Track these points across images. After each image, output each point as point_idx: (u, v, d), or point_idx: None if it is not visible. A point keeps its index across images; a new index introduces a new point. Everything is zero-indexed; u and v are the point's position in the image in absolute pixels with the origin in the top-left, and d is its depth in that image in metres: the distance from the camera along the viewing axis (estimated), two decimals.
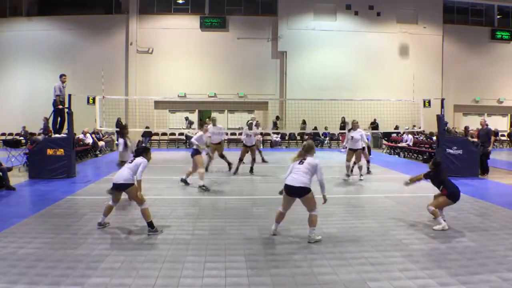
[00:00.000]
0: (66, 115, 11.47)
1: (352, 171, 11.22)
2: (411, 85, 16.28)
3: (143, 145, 6.04)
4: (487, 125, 12.27)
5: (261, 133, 16.35)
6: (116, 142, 8.78)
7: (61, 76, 11.71)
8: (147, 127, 20.80)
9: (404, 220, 6.64)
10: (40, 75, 23.15)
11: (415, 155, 16.83)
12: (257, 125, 14.56)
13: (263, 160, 14.28)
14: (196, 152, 9.42)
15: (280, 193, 5.77)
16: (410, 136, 18.29)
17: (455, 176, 11.08)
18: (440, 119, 11.92)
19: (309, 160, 5.51)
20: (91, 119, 14.95)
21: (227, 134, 23.49)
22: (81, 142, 16.28)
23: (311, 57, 24.48)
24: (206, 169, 11.48)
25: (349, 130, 11.89)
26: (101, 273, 4.31)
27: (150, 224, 5.79)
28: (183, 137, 23.16)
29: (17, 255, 4.81)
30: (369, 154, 17.23)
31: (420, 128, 14.74)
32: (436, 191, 6.58)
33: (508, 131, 25.49)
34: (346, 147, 11.54)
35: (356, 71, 24.28)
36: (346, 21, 24.88)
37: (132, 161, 6.03)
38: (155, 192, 9.25)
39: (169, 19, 24.46)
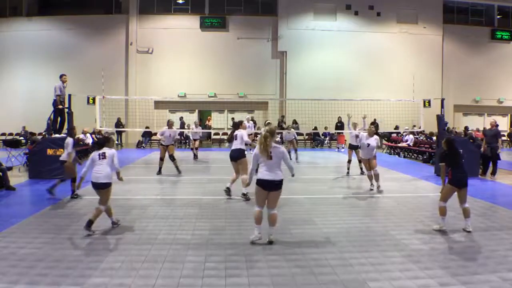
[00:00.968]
0: (66, 115, 11.47)
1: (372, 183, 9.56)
2: (411, 85, 16.29)
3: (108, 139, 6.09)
4: (497, 125, 12.20)
5: (255, 133, 16.27)
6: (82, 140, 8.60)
7: (61, 76, 11.71)
8: (147, 127, 20.80)
9: (404, 220, 6.64)
10: (40, 75, 23.14)
11: (415, 155, 16.83)
12: (254, 122, 14.51)
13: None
14: (242, 154, 8.24)
15: (244, 195, 5.73)
16: (410, 136, 18.29)
17: None
18: (440, 119, 11.92)
19: (276, 151, 5.27)
20: (91, 119, 14.93)
21: (226, 134, 23.54)
22: (81, 142, 16.28)
23: (311, 57, 24.48)
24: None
25: (357, 136, 10.76)
26: (101, 273, 4.30)
27: (90, 223, 5.70)
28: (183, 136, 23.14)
29: (17, 255, 4.81)
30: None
31: (420, 128, 14.74)
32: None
33: (508, 131, 25.48)
34: (344, 148, 11.27)
35: (356, 71, 24.27)
36: (346, 21, 24.88)
37: (102, 155, 5.98)
38: (155, 192, 9.25)
39: (169, 19, 24.46)
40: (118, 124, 20.98)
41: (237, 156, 8.22)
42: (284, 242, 5.41)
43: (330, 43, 24.64)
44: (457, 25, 25.84)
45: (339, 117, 21.37)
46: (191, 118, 24.23)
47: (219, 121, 24.32)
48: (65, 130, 11.69)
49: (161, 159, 12.00)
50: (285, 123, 23.29)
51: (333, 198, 8.37)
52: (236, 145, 8.30)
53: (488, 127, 12.64)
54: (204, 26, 24.34)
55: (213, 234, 5.76)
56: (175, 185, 10.36)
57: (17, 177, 10.59)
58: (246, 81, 24.27)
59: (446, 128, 13.43)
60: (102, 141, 6.27)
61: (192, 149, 16.43)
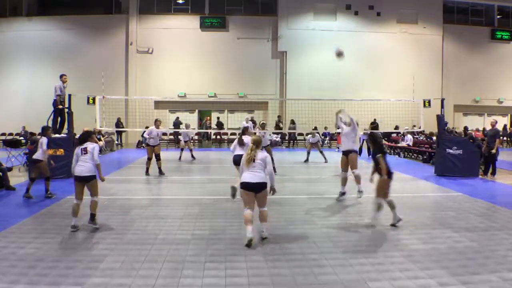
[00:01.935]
0: (66, 115, 11.48)
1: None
2: (411, 85, 16.28)
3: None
4: (496, 123, 12.16)
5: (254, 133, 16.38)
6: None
7: (62, 76, 11.73)
8: (147, 127, 20.77)
9: (404, 220, 6.63)
10: (40, 75, 23.16)
11: (415, 155, 16.84)
12: (253, 122, 14.55)
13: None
14: (352, 151, 8.27)
15: (233, 195, 6.11)
16: (409, 136, 18.30)
17: (455, 176, 11.14)
18: (440, 119, 11.92)
19: (259, 155, 5.49)
20: (91, 119, 14.93)
21: (226, 134, 23.55)
22: None
23: (311, 57, 24.48)
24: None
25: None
26: (101, 273, 4.30)
27: (93, 217, 6.00)
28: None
29: (17, 255, 4.81)
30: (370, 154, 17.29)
31: (420, 128, 14.73)
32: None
33: (508, 131, 25.49)
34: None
35: (356, 71, 24.28)
36: (346, 21, 24.89)
37: (84, 150, 6.10)
38: (155, 192, 9.25)
39: (169, 19, 24.46)
40: (118, 124, 20.98)
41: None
42: (284, 242, 5.41)
43: (330, 43, 24.54)
44: (457, 25, 25.85)
45: (340, 117, 21.38)
46: (191, 118, 24.30)
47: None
48: (65, 130, 11.71)
49: (149, 159, 11.75)
50: (282, 123, 23.31)
51: (333, 198, 8.36)
52: (241, 150, 8.12)
53: (489, 127, 12.63)
54: (204, 26, 24.34)
55: (213, 234, 5.76)
56: (175, 185, 10.36)
57: (17, 177, 10.58)
58: (246, 81, 24.28)
59: (446, 128, 13.41)
60: (84, 136, 6.37)
61: (182, 149, 16.34)
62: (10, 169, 9.59)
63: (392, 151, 19.24)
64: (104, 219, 6.52)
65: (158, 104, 23.56)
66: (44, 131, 8.89)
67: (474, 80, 25.75)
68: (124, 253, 4.92)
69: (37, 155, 8.44)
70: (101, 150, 18.16)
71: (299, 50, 24.34)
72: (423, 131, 16.97)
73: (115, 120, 20.77)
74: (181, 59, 24.04)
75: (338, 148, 21.14)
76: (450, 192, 9.17)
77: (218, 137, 24.06)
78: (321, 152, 15.27)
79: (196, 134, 23.20)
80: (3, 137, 22.04)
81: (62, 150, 10.75)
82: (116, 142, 22.19)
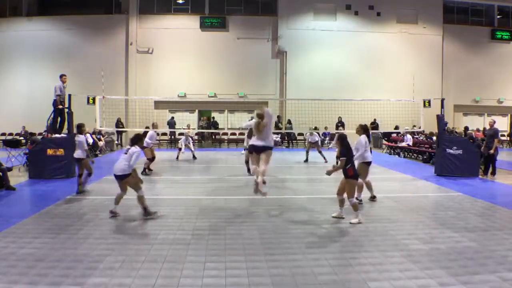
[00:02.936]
0: (66, 115, 11.48)
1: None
2: (411, 85, 16.26)
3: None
4: (494, 122, 12.16)
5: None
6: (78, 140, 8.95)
7: (62, 76, 11.73)
8: (147, 127, 20.73)
9: (404, 220, 6.63)
10: (40, 75, 23.15)
11: (415, 155, 16.83)
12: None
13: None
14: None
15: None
16: (409, 136, 18.30)
17: (455, 176, 11.14)
18: (440, 119, 11.91)
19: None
20: (91, 119, 14.94)
21: (226, 134, 23.55)
22: None
23: (311, 57, 24.48)
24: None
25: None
26: (101, 273, 4.30)
27: (146, 210, 6.51)
28: (183, 136, 23.14)
29: (17, 255, 4.81)
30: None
31: (420, 128, 14.73)
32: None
33: (508, 131, 25.49)
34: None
35: (356, 71, 24.28)
36: (346, 21, 24.88)
37: (126, 151, 6.61)
38: (155, 192, 9.26)
39: (169, 19, 24.45)
40: (118, 124, 20.97)
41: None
42: (284, 242, 5.41)
43: (330, 43, 24.64)
44: (457, 25, 25.83)
45: (339, 117, 21.42)
46: (191, 118, 24.29)
47: (219, 121, 24.30)
48: (65, 130, 11.70)
49: (152, 159, 12.23)
50: (281, 123, 23.30)
51: (333, 198, 8.35)
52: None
53: (488, 127, 12.62)
54: (204, 26, 24.34)
55: (213, 234, 5.76)
56: (175, 185, 10.36)
57: (17, 177, 10.59)
58: (246, 81, 24.27)
59: (445, 128, 13.41)
60: (135, 139, 6.82)
61: (180, 149, 16.31)
62: (10, 169, 9.59)
63: (392, 151, 19.24)
64: (104, 219, 6.53)
65: (158, 104, 23.56)
66: (80, 128, 9.17)
67: (474, 80, 25.74)
68: (124, 253, 4.92)
69: (78, 154, 8.77)
70: (101, 150, 18.19)
71: (299, 50, 24.34)
72: (423, 131, 16.97)
73: (115, 120, 20.77)
74: (181, 59, 24.03)
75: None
76: (450, 192, 9.17)
77: (217, 137, 23.94)
78: (320, 152, 15.29)
79: (196, 134, 23.21)
80: (3, 137, 22.04)
81: (62, 150, 10.75)
82: (116, 142, 22.19)
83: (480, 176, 11.40)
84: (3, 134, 22.93)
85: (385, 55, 24.73)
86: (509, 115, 26.87)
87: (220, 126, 23.65)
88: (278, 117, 23.84)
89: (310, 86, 23.37)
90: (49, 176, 10.45)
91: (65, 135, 11.39)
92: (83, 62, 23.22)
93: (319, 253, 5.00)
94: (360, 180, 7.41)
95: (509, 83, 26.22)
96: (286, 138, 23.74)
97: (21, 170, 12.13)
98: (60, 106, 11.48)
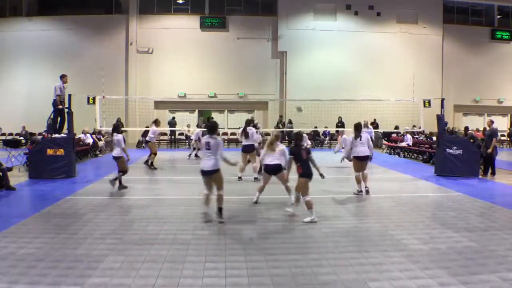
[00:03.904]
0: (66, 115, 11.48)
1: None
2: (411, 85, 16.27)
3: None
4: (492, 122, 12.15)
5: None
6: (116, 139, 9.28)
7: (63, 76, 11.73)
8: (147, 127, 20.76)
9: (404, 220, 6.63)
10: (40, 75, 23.17)
11: (415, 155, 16.83)
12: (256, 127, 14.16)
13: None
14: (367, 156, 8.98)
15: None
16: (409, 136, 18.29)
17: (455, 176, 11.14)
18: (440, 119, 11.91)
19: (279, 146, 7.50)
20: (91, 119, 14.95)
21: (226, 134, 23.55)
22: (81, 142, 16.28)
23: (311, 57, 24.49)
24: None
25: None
26: (101, 273, 4.30)
27: (220, 210, 6.37)
28: (183, 137, 23.20)
29: (17, 255, 4.81)
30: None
31: (420, 128, 14.73)
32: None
33: (508, 131, 25.48)
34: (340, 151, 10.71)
35: (356, 71, 24.29)
36: (346, 21, 24.89)
37: (207, 145, 6.21)
38: (155, 192, 9.26)
39: (169, 19, 24.47)
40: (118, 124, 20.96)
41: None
42: (284, 242, 5.41)
43: (330, 43, 24.65)
44: (457, 25, 25.86)
45: (340, 117, 21.42)
46: (191, 118, 24.31)
47: (219, 121, 24.29)
48: (65, 130, 11.71)
49: (155, 154, 13.07)
50: (283, 124, 23.30)
51: (333, 198, 8.37)
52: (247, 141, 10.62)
53: (487, 128, 12.62)
54: (204, 26, 24.34)
55: (213, 234, 5.76)
56: (175, 185, 10.36)
57: (17, 177, 10.58)
58: (246, 81, 24.28)
59: (446, 128, 13.42)
60: (211, 128, 6.43)
61: (194, 148, 16.48)
62: (10, 169, 9.59)
63: (392, 151, 19.24)
64: (104, 219, 6.53)
65: (158, 104, 23.58)
66: (117, 128, 9.51)
67: (474, 80, 25.76)
68: (124, 253, 4.92)
69: (116, 153, 9.12)
70: (101, 150, 18.18)
71: (299, 50, 24.35)
72: (423, 131, 16.98)
73: (115, 120, 20.76)
74: (181, 59, 24.04)
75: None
76: (450, 192, 9.17)
77: None
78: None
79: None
80: (3, 137, 22.04)
81: (62, 150, 10.75)
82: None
83: (480, 176, 11.40)
84: (3, 134, 22.94)
85: (385, 55, 24.74)
86: (509, 115, 26.89)
87: (220, 126, 23.60)
88: (281, 116, 23.84)
89: (310, 86, 23.39)
90: (49, 176, 10.45)
91: (65, 135, 11.39)
92: (83, 62, 23.24)
93: (319, 253, 5.00)
94: (357, 173, 8.67)
95: (509, 83, 26.23)
96: (286, 138, 23.73)
97: (21, 170, 12.13)
98: (60, 106, 11.48)
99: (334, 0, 24.78)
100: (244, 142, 10.65)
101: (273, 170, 7.39)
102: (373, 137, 18.15)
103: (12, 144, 15.80)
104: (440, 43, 25.51)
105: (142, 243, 5.33)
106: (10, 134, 22.74)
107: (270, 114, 24.12)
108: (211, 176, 6.30)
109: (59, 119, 11.75)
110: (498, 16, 26.80)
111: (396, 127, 20.84)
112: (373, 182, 10.60)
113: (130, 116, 22.55)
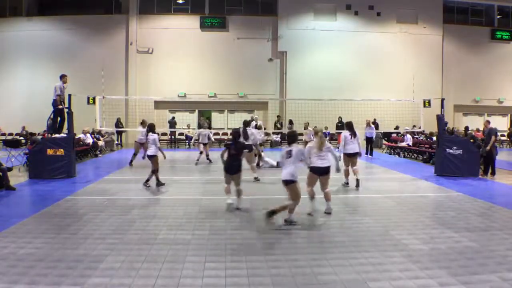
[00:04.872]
0: (66, 115, 11.48)
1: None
2: (411, 85, 16.30)
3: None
4: (489, 122, 12.16)
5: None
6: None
7: (62, 76, 11.74)
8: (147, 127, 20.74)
9: (404, 220, 6.63)
10: (40, 75, 23.16)
11: (415, 155, 16.83)
12: (256, 127, 14.16)
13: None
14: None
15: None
16: (409, 136, 18.29)
17: (455, 176, 11.14)
18: (440, 119, 11.91)
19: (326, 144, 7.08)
20: (91, 119, 14.94)
21: (226, 134, 23.52)
22: (81, 142, 16.28)
23: (311, 57, 24.48)
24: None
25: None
26: (101, 273, 4.30)
27: (290, 216, 6.21)
28: (183, 137, 23.21)
29: (17, 255, 4.81)
30: (371, 154, 17.33)
31: (420, 128, 14.73)
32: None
33: (508, 131, 25.48)
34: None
35: (356, 71, 24.28)
36: (346, 21, 24.89)
37: (289, 153, 6.18)
38: (155, 192, 9.25)
39: (169, 19, 24.46)
40: (118, 124, 20.98)
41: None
42: (284, 242, 5.41)
43: (330, 43, 24.64)
44: (457, 25, 25.84)
45: (339, 117, 21.41)
46: (191, 118, 24.31)
47: (219, 121, 24.34)
48: (65, 130, 11.71)
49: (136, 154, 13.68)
50: (281, 124, 23.31)
51: (333, 198, 8.36)
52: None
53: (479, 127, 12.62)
54: (204, 26, 24.34)
55: (213, 234, 5.76)
56: (175, 185, 10.35)
57: (17, 177, 10.59)
58: (246, 81, 24.28)
59: (446, 128, 13.41)
60: (293, 136, 6.47)
61: (201, 152, 14.61)
62: (10, 169, 9.59)
63: (392, 151, 19.24)
64: (104, 219, 6.53)
65: (158, 104, 23.56)
66: (152, 128, 9.81)
67: (474, 80, 25.75)
68: (124, 253, 4.92)
69: (151, 151, 9.44)
70: (101, 151, 18.18)
71: (299, 50, 24.34)
72: (423, 131, 16.97)
73: (115, 120, 20.78)
74: (181, 59, 24.03)
75: (338, 148, 21.14)
76: (450, 192, 9.17)
77: (216, 137, 23.80)
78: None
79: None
80: (3, 137, 22.04)
81: (62, 150, 10.75)
82: (116, 142, 22.19)
83: (480, 176, 11.40)
84: (3, 134, 22.94)
85: (385, 55, 24.73)
86: (509, 115, 26.88)
87: (220, 126, 23.65)
88: (278, 116, 23.84)
89: (310, 86, 23.37)
90: (49, 176, 10.45)
91: (65, 135, 11.39)
92: (83, 62, 23.23)
93: (319, 253, 5.00)
94: (345, 167, 9.60)
95: (509, 83, 26.22)
96: (286, 138, 23.71)
97: (21, 170, 12.13)
98: (60, 106, 11.49)
99: (334, 0, 24.78)
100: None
101: (325, 172, 6.84)
102: (374, 137, 18.21)
103: (12, 144, 15.82)
104: (440, 43, 25.51)
105: (142, 243, 5.33)
106: (10, 134, 22.74)
107: (270, 114, 24.10)
108: (287, 186, 6.19)
109: (59, 119, 11.75)
110: (498, 16, 26.79)
111: (396, 127, 20.83)
112: (373, 182, 10.62)
113: (130, 116, 22.55)
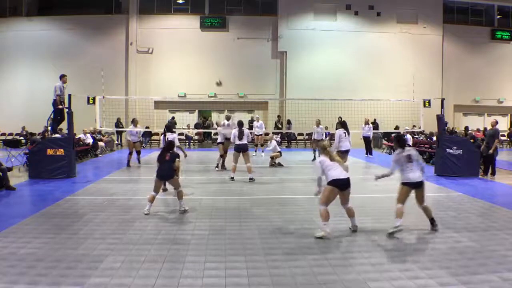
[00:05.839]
0: (66, 114, 11.49)
1: None
2: (411, 85, 16.30)
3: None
4: (497, 122, 12.10)
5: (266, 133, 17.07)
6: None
7: (62, 76, 11.74)
8: (147, 127, 20.81)
9: (404, 220, 6.62)
10: (40, 75, 23.15)
11: None
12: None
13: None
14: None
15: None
16: (409, 136, 18.28)
17: (455, 176, 11.13)
18: (440, 119, 11.91)
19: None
20: (91, 119, 14.93)
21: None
22: (81, 142, 16.28)
23: (311, 57, 24.47)
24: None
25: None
26: (101, 273, 4.30)
27: (354, 224, 5.98)
28: (183, 137, 23.19)
29: (17, 255, 4.81)
30: (371, 154, 17.36)
31: (420, 128, 14.73)
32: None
33: (508, 131, 25.48)
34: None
35: (356, 71, 24.27)
36: (346, 21, 24.88)
37: (409, 156, 5.99)
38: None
39: (169, 19, 24.45)
40: (118, 124, 20.98)
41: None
42: (284, 242, 5.41)
43: (330, 43, 24.64)
44: (457, 25, 25.83)
45: (340, 117, 21.38)
46: (191, 118, 24.30)
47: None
48: (65, 130, 11.71)
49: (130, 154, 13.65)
50: (281, 124, 23.31)
51: None
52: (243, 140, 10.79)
53: (489, 127, 12.60)
54: (204, 26, 24.33)
55: (213, 234, 5.76)
56: None
57: (17, 177, 10.59)
58: (246, 81, 24.27)
59: (446, 128, 13.41)
60: (402, 140, 6.25)
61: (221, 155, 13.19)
62: (10, 169, 9.59)
63: (392, 151, 19.22)
64: (104, 219, 6.53)
65: (158, 104, 23.56)
66: (170, 128, 10.01)
67: (474, 80, 25.73)
68: (124, 253, 4.92)
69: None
70: (101, 151, 18.18)
71: (299, 50, 24.34)
72: (423, 131, 16.97)
73: (115, 120, 20.78)
74: (181, 59, 24.03)
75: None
76: (450, 192, 9.17)
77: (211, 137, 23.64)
78: (314, 150, 15.56)
79: (196, 134, 23.22)
80: (3, 137, 22.04)
81: (62, 150, 10.75)
82: (116, 142, 22.19)
83: (480, 176, 11.39)
84: (3, 134, 22.94)
85: (385, 55, 24.73)
86: (509, 115, 26.88)
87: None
88: (278, 116, 23.84)
89: (310, 86, 23.35)
90: (49, 176, 10.45)
91: (65, 135, 11.39)
92: (83, 62, 23.23)
93: (319, 253, 5.00)
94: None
95: (509, 83, 26.22)
96: (286, 138, 23.74)
97: (21, 170, 12.13)
98: (60, 106, 11.49)
99: (334, 0, 24.77)
100: (237, 142, 10.83)
101: (348, 184, 5.85)
102: (370, 136, 18.29)
103: (12, 144, 15.81)
104: (440, 43, 25.50)
105: (142, 243, 5.33)
106: (10, 134, 22.74)
107: (270, 114, 24.09)
108: (420, 188, 6.04)
109: (59, 118, 11.76)
110: (498, 16, 26.78)
111: (396, 127, 20.83)
112: (373, 182, 10.59)
113: (130, 116, 22.49)
